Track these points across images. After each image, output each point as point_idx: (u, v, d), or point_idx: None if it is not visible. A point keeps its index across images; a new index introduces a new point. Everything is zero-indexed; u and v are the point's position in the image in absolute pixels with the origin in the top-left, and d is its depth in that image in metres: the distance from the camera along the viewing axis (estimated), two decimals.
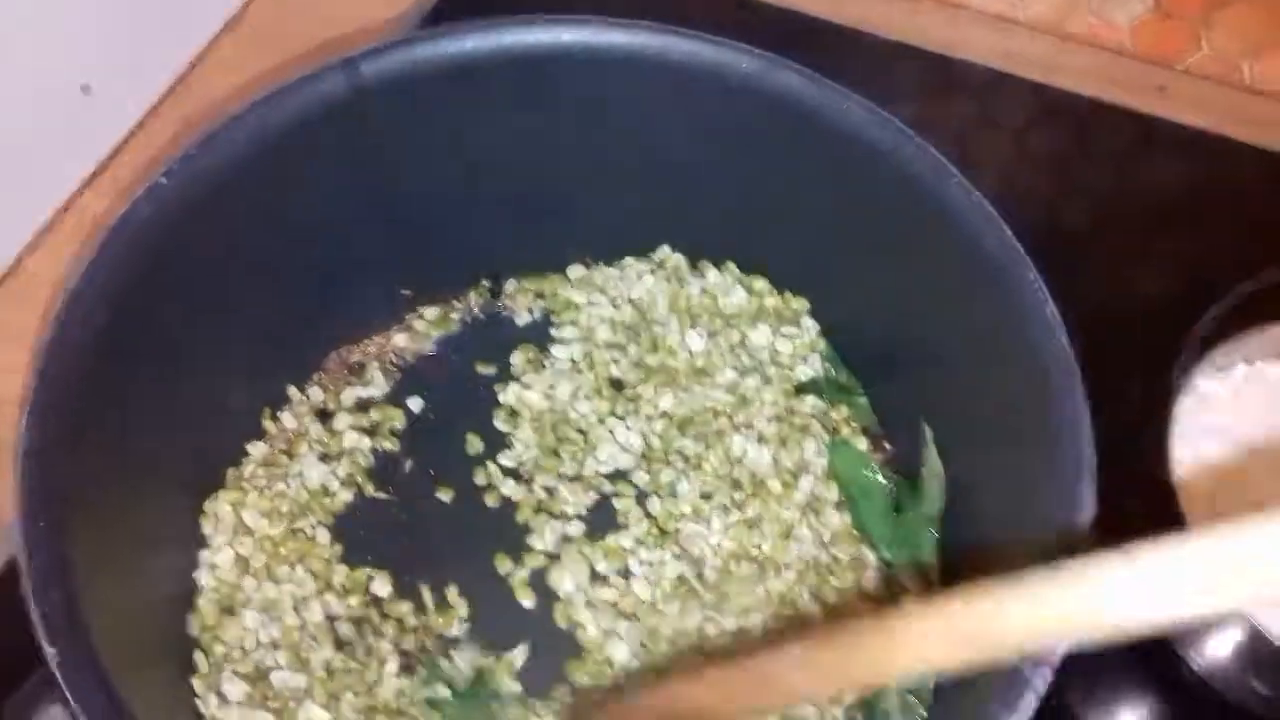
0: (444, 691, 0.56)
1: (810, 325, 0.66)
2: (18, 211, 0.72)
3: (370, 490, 0.63)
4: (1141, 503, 0.59)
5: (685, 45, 0.59)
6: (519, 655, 0.58)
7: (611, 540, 0.61)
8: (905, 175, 0.56)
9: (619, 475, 0.63)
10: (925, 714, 0.54)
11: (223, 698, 0.55)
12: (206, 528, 0.60)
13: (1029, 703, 0.42)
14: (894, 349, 0.62)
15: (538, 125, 0.62)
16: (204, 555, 0.59)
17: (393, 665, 0.57)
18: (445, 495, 0.63)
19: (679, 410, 0.63)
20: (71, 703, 0.43)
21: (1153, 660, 0.60)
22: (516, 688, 0.57)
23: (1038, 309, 0.50)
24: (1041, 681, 0.42)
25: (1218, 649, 0.57)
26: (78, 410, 0.50)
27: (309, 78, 0.56)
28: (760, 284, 0.67)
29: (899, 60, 0.83)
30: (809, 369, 0.65)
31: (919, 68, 0.83)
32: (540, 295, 0.69)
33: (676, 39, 0.59)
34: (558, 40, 0.59)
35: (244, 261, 0.58)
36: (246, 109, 0.55)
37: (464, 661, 0.57)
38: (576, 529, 0.61)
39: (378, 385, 0.66)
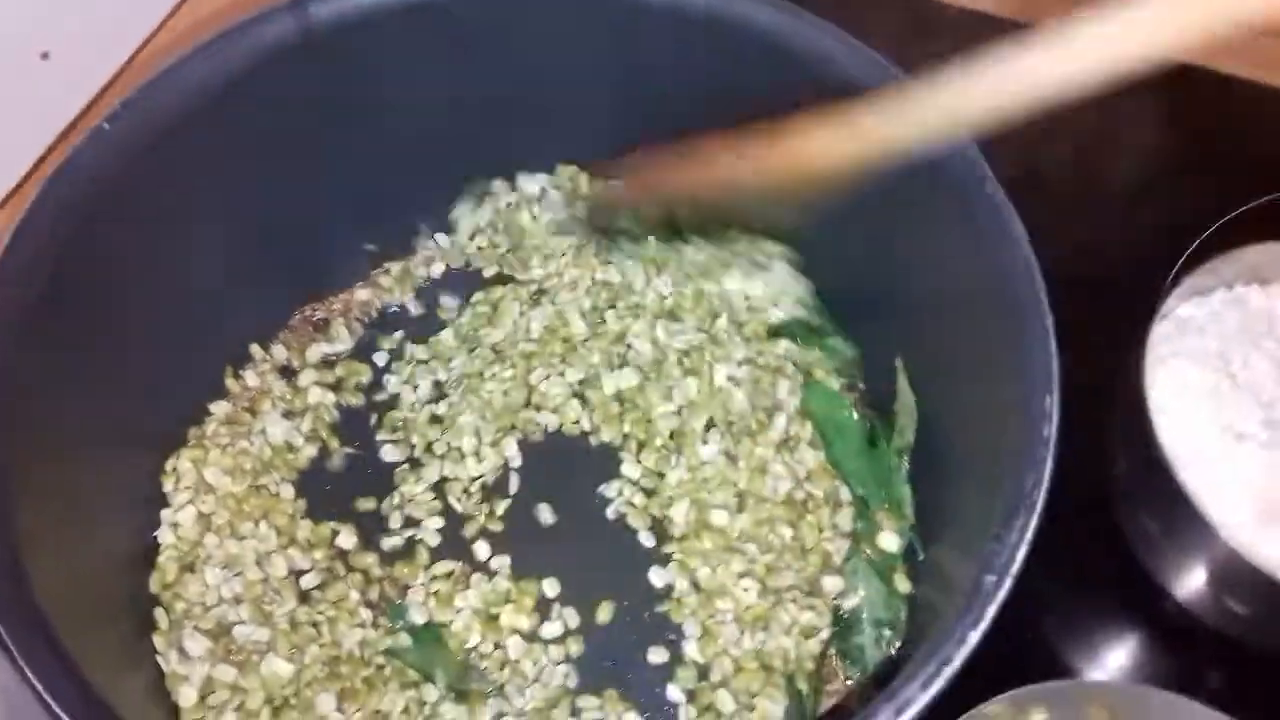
0: (405, 640, 0.55)
1: (782, 268, 0.64)
2: None
3: (335, 445, 0.62)
4: (1119, 426, 0.58)
5: None
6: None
7: None
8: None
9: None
10: (899, 645, 0.53)
11: (184, 653, 0.54)
12: (167, 486, 0.59)
13: (989, 612, 0.40)
14: (863, 283, 0.61)
15: (497, 66, 0.61)
16: (165, 514, 0.58)
17: (358, 616, 0.56)
18: None
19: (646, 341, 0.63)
20: (9, 645, 0.42)
21: (1133, 593, 0.59)
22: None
23: (999, 215, 0.49)
24: (1002, 592, 0.41)
25: (1196, 577, 0.56)
26: (16, 372, 0.49)
27: (257, 19, 0.55)
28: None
29: (875, 2, 0.82)
30: (781, 312, 0.64)
31: (896, 10, 0.81)
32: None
33: None
34: None
35: (195, 213, 0.57)
36: (192, 53, 0.55)
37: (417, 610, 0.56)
38: None
39: (343, 341, 0.65)
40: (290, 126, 0.59)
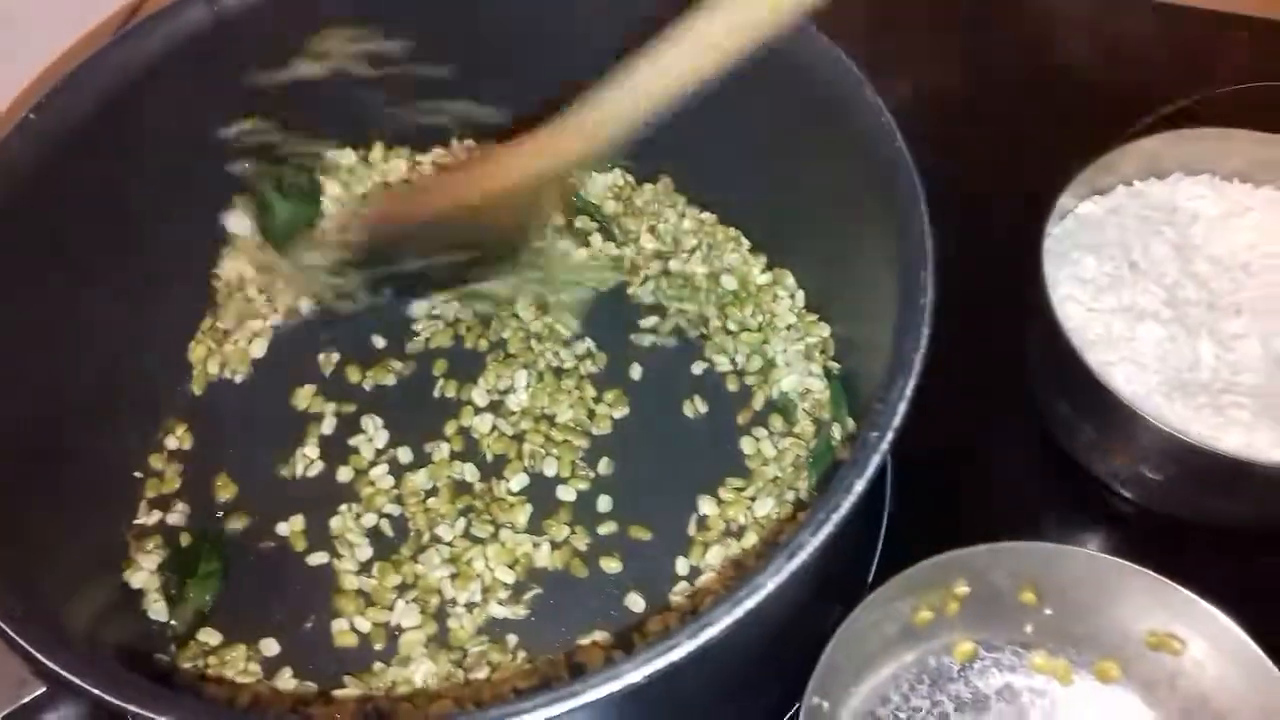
0: None
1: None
2: None
3: None
4: (1027, 319, 0.60)
5: None
6: None
7: None
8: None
9: None
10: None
11: None
12: None
13: (873, 462, 0.42)
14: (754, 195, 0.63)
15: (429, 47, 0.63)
16: None
17: None
18: None
19: None
20: None
21: (1054, 474, 0.61)
22: None
23: (876, 116, 0.51)
24: (884, 444, 0.43)
25: (1112, 452, 0.58)
26: None
27: (170, 9, 0.58)
28: None
29: None
30: None
31: None
32: None
33: None
34: None
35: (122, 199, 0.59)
36: (111, 44, 0.57)
37: None
38: None
39: None
40: (209, 112, 0.61)
